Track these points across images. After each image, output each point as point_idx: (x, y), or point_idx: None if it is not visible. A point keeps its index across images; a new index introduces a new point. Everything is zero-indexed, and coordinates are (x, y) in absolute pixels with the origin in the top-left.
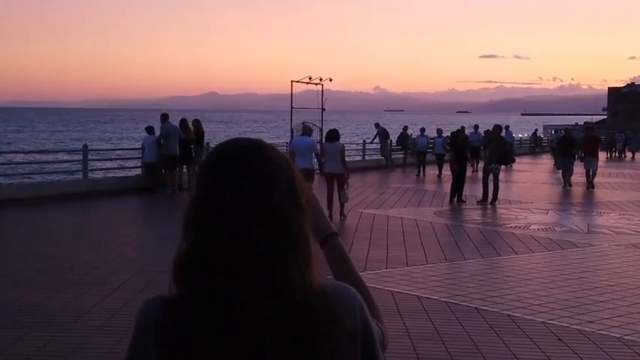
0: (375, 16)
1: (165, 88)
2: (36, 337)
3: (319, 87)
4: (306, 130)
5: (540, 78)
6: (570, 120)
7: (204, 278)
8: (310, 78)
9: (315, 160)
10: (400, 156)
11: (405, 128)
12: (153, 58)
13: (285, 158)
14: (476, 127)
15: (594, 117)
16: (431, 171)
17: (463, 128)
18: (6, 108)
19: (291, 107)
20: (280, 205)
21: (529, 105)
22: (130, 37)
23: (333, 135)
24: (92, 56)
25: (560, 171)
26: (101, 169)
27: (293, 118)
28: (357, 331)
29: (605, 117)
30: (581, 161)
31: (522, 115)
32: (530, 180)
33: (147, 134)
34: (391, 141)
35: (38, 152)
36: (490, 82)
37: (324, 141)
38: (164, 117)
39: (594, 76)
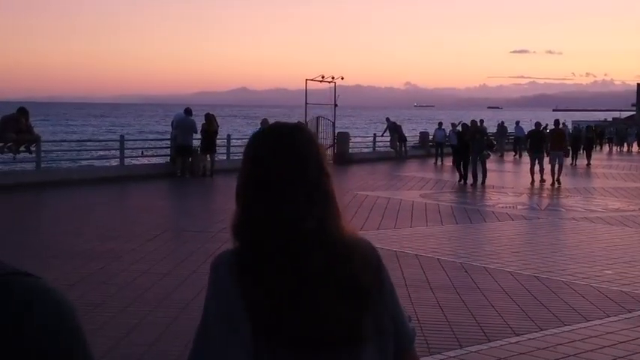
0: (406, 11)
1: (194, 83)
2: (91, 264)
3: (352, 85)
4: None
5: (573, 74)
6: (600, 116)
7: (262, 239)
8: (323, 76)
9: None
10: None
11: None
12: (183, 53)
13: (312, 136)
14: (440, 124)
15: (622, 112)
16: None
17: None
18: (40, 103)
19: (306, 103)
20: (314, 177)
21: (561, 101)
22: (160, 33)
23: None
24: (121, 52)
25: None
26: (135, 157)
27: (308, 113)
28: (379, 267)
29: (634, 112)
30: (547, 155)
31: (554, 110)
32: (517, 170)
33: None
34: (400, 135)
35: (83, 141)
36: (522, 77)
37: None
38: (187, 112)
39: (628, 71)
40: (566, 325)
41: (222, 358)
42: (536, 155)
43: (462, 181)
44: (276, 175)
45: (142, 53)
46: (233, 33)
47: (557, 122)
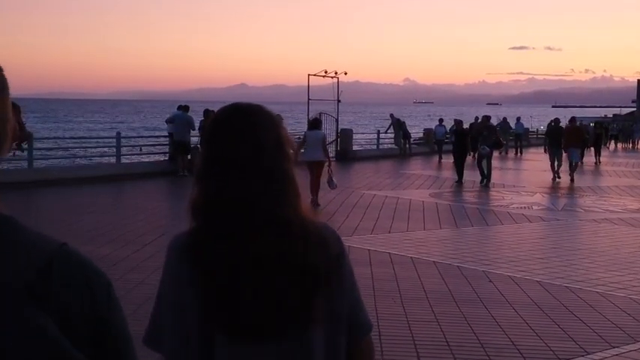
0: (405, 7)
1: (194, 79)
2: None
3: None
4: (317, 124)
5: (572, 70)
6: (600, 112)
7: (216, 219)
8: (326, 72)
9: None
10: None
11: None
12: (182, 49)
13: (272, 119)
14: (440, 120)
15: (623, 109)
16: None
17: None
18: (38, 99)
19: (308, 99)
20: (271, 161)
21: (560, 97)
22: (158, 28)
23: (315, 124)
24: (120, 49)
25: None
26: (132, 154)
27: (310, 109)
28: (341, 255)
29: (635, 109)
30: (564, 152)
31: (553, 107)
32: (532, 167)
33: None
34: (404, 131)
35: (78, 138)
36: (521, 73)
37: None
38: (184, 108)
39: (627, 68)
40: (613, 347)
41: (168, 345)
42: (555, 152)
43: (459, 182)
44: (230, 157)
45: (141, 50)
46: (232, 29)
47: (573, 119)
